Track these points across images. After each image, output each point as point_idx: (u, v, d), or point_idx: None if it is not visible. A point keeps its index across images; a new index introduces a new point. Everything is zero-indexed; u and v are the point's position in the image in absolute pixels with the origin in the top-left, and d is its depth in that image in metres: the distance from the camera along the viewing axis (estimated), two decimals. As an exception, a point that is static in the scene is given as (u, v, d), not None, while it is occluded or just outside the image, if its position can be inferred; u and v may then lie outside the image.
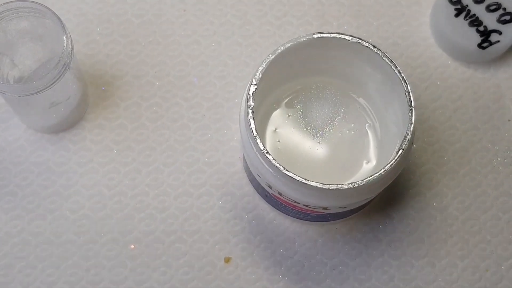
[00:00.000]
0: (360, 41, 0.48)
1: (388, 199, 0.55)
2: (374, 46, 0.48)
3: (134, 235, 0.54)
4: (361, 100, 0.52)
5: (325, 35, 0.48)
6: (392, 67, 0.48)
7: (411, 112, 0.47)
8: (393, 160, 0.46)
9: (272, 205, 0.53)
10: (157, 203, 0.54)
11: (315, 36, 0.48)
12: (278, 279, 0.53)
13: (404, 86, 0.47)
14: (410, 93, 0.47)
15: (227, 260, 0.53)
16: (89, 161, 0.55)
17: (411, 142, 0.47)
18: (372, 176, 0.45)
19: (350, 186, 0.45)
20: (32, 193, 0.54)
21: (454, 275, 0.54)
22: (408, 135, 0.46)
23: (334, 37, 0.48)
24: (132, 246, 0.53)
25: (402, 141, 0.46)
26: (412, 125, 0.46)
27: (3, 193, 0.54)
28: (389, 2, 0.60)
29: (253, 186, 0.54)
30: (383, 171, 0.45)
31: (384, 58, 0.48)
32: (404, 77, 0.47)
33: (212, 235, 0.54)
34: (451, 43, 0.58)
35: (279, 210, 0.53)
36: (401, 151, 0.46)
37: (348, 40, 0.48)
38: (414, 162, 0.56)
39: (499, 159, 0.57)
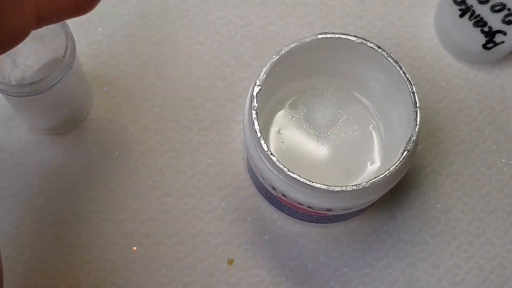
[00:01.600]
0: (364, 41, 0.48)
1: (392, 201, 0.55)
2: (379, 47, 0.48)
3: (136, 237, 0.53)
4: (365, 101, 0.52)
5: (329, 35, 0.48)
6: (397, 67, 0.48)
7: (416, 113, 0.46)
8: (398, 162, 0.45)
9: (276, 207, 0.53)
10: (159, 205, 0.54)
11: (319, 36, 0.48)
12: (282, 281, 0.53)
13: (409, 87, 0.47)
14: (415, 94, 0.47)
15: (230, 262, 0.53)
16: (91, 163, 0.55)
17: (416, 143, 0.47)
18: (377, 178, 0.45)
19: (354, 187, 0.45)
20: (34, 195, 0.54)
21: (459, 277, 0.54)
22: (413, 136, 0.46)
23: (339, 37, 0.48)
24: (134, 248, 0.53)
25: (407, 143, 0.46)
26: (417, 126, 0.46)
27: (5, 194, 0.54)
28: (393, 3, 0.60)
29: (256, 188, 0.54)
30: (388, 173, 0.45)
31: (389, 59, 0.48)
32: (409, 78, 0.47)
33: (214, 236, 0.54)
34: (455, 44, 0.58)
35: (282, 212, 0.53)
36: (406, 152, 0.46)
37: (353, 41, 0.48)
38: (418, 164, 0.56)
39: (504, 160, 0.56)
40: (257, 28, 0.59)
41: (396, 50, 0.58)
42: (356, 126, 0.52)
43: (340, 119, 0.52)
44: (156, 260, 0.53)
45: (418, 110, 0.47)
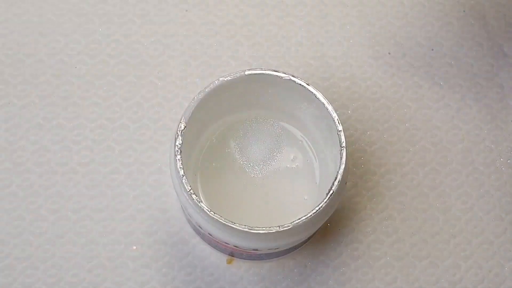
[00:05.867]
0: (293, 78, 0.47)
1: (390, 200, 0.55)
2: (308, 84, 0.47)
3: (136, 236, 0.54)
4: (301, 135, 0.51)
5: (257, 71, 0.47)
6: (326, 104, 0.47)
7: (342, 153, 0.45)
8: (323, 203, 0.45)
9: (206, 242, 0.52)
10: (159, 204, 0.54)
11: (247, 72, 0.47)
12: (281, 280, 0.53)
13: (336, 125, 0.46)
14: (342, 132, 0.46)
15: (230, 261, 0.53)
16: (91, 162, 0.55)
17: (343, 182, 0.45)
18: (300, 219, 0.44)
19: (277, 229, 0.44)
20: (34, 194, 0.54)
21: (457, 276, 0.54)
22: (338, 176, 0.45)
23: (268, 74, 0.47)
24: (134, 247, 0.53)
25: (333, 183, 0.45)
26: (343, 166, 0.45)
27: (5, 194, 0.54)
28: (392, 2, 0.60)
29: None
30: (312, 214, 0.44)
31: (318, 96, 0.47)
32: (336, 116, 0.46)
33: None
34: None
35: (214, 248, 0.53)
36: (331, 192, 0.45)
37: (281, 78, 0.47)
38: (417, 162, 0.56)
39: (502, 159, 0.56)
40: (256, 28, 0.59)
41: (394, 50, 0.59)
42: (292, 160, 0.51)
43: (275, 153, 0.51)
44: (156, 259, 0.53)
45: (344, 149, 0.45)
